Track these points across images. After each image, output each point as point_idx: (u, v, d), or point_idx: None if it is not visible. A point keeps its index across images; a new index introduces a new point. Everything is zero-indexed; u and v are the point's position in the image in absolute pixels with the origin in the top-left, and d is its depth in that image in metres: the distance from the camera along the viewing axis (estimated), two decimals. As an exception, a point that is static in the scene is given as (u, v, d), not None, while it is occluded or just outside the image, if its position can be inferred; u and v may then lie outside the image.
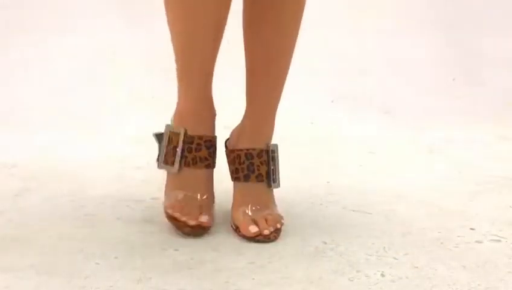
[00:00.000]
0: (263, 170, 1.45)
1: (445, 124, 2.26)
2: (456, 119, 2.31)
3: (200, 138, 1.45)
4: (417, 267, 1.28)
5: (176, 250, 1.35)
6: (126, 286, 1.20)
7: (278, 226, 1.41)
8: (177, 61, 1.44)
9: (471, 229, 1.46)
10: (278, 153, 1.49)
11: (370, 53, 2.62)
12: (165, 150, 1.46)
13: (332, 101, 2.43)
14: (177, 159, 1.44)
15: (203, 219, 1.40)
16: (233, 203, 1.46)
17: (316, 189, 1.70)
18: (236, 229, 1.42)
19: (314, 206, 1.59)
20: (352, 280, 1.23)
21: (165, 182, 1.49)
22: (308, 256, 1.33)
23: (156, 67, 2.45)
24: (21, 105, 2.31)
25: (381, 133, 2.18)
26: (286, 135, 2.12)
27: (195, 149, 1.44)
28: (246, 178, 1.45)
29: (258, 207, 1.44)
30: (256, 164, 1.45)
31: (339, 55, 2.59)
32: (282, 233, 1.42)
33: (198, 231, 1.40)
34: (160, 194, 1.61)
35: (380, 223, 1.49)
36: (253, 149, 1.46)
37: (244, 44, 1.46)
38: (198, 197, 1.44)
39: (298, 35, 1.47)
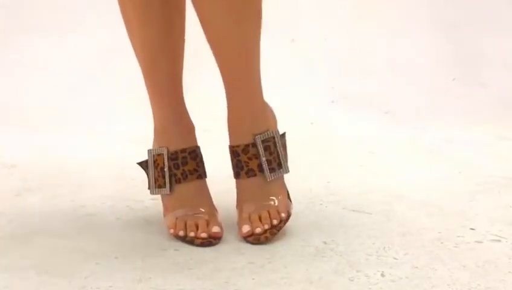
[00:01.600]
0: (253, 164, 1.40)
1: (445, 124, 2.26)
2: (456, 119, 2.31)
3: (184, 151, 1.43)
4: (417, 267, 1.28)
5: (176, 250, 1.35)
6: (126, 286, 1.20)
7: (275, 222, 1.37)
8: (144, 78, 1.46)
9: (471, 229, 1.46)
10: (279, 140, 1.43)
11: (370, 53, 2.62)
12: (153, 175, 1.45)
13: (332, 101, 2.43)
14: (167, 179, 1.42)
15: (215, 229, 1.38)
16: (236, 201, 1.46)
17: (316, 189, 1.70)
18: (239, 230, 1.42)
19: (314, 206, 1.59)
20: (352, 280, 1.23)
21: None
22: (308, 256, 1.33)
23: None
24: (21, 105, 2.31)
25: (381, 133, 2.18)
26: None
27: (182, 163, 1.42)
28: (237, 175, 1.43)
29: (256, 203, 1.40)
30: (243, 160, 1.41)
31: (339, 55, 2.59)
32: (282, 233, 1.42)
33: (211, 242, 1.37)
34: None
35: (380, 223, 1.49)
36: (237, 146, 1.41)
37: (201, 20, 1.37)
38: (199, 209, 1.41)
39: (258, 12, 1.34)
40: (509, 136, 2.16)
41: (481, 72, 2.57)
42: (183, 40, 1.43)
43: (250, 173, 1.41)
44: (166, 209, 1.43)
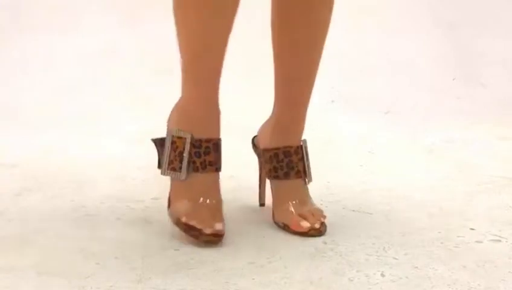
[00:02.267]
0: (301, 166, 1.47)
1: (445, 124, 2.26)
2: (456, 119, 2.31)
3: (209, 140, 1.40)
4: (417, 267, 1.28)
5: (176, 250, 1.35)
6: (126, 286, 1.20)
7: (323, 219, 1.43)
8: (187, 61, 1.38)
9: (471, 229, 1.46)
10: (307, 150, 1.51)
11: (370, 53, 2.62)
12: (168, 156, 1.41)
13: (332, 101, 2.43)
14: (185, 164, 1.39)
15: (219, 226, 1.37)
16: (274, 202, 1.48)
17: (316, 189, 1.70)
18: (285, 227, 1.44)
19: (314, 206, 1.59)
20: (352, 280, 1.23)
21: (168, 187, 1.47)
22: (308, 256, 1.33)
23: (156, 67, 2.45)
24: (21, 105, 2.31)
25: (381, 133, 2.18)
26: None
27: (204, 153, 1.40)
28: (286, 176, 1.47)
29: (300, 203, 1.46)
30: (294, 161, 1.47)
31: (339, 55, 2.59)
32: (282, 233, 1.42)
33: (214, 239, 1.36)
34: (160, 195, 1.61)
35: (380, 223, 1.49)
36: (291, 147, 1.47)
37: (274, 46, 1.47)
38: (208, 202, 1.40)
39: (327, 34, 1.49)
40: (509, 136, 2.16)
41: (481, 72, 2.57)
42: (232, 25, 1.41)
43: (298, 174, 1.48)
44: (177, 194, 1.40)
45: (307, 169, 1.49)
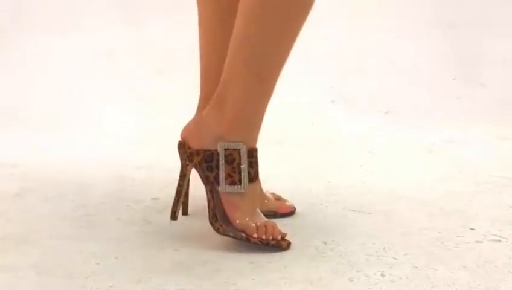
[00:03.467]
0: None
1: (445, 124, 2.26)
2: (456, 119, 2.31)
3: (256, 150, 1.39)
4: (417, 267, 1.28)
5: (176, 250, 1.35)
6: (126, 286, 1.20)
7: None
8: (264, 65, 1.36)
9: (471, 229, 1.46)
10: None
11: (370, 53, 2.62)
12: (224, 170, 1.36)
13: (332, 101, 2.43)
14: (244, 176, 1.36)
15: (281, 230, 1.38)
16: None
17: (316, 189, 1.70)
18: (271, 213, 1.52)
19: (314, 206, 1.59)
20: (352, 280, 1.23)
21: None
22: (308, 256, 1.33)
23: (156, 67, 2.45)
24: (21, 105, 2.31)
25: (381, 133, 2.18)
26: (286, 135, 2.12)
27: (255, 163, 1.38)
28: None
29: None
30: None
31: (339, 55, 2.59)
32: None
33: (289, 242, 1.37)
34: (160, 195, 1.61)
35: (380, 223, 1.49)
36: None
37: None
38: (259, 210, 1.40)
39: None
40: (509, 136, 2.16)
41: (481, 72, 2.57)
42: None
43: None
44: (237, 208, 1.37)
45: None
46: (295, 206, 1.54)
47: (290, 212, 1.53)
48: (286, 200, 1.55)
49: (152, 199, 1.61)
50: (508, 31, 2.69)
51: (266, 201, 1.51)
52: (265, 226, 1.36)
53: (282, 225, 1.47)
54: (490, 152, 2.03)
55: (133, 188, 1.70)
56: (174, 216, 1.39)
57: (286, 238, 1.37)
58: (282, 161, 1.91)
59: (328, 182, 1.75)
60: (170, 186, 1.56)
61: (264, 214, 1.43)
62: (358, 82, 2.51)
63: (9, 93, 2.38)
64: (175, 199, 1.39)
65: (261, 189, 1.49)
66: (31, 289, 1.20)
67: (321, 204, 1.60)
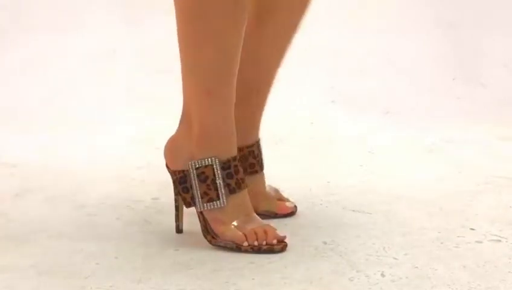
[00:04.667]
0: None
1: (445, 124, 2.26)
2: (456, 119, 2.31)
3: (235, 158, 1.36)
4: (417, 267, 1.28)
5: (176, 250, 1.35)
6: (126, 286, 1.20)
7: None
8: (216, 83, 1.34)
9: (471, 229, 1.46)
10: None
11: (370, 53, 2.62)
12: (198, 190, 1.34)
13: (332, 101, 2.43)
14: (221, 191, 1.34)
15: (279, 233, 1.37)
16: (254, 195, 1.45)
17: (316, 189, 1.70)
18: (271, 214, 1.52)
19: (314, 206, 1.59)
20: (352, 280, 1.23)
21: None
22: (308, 256, 1.33)
23: (156, 67, 2.45)
24: (21, 105, 2.31)
25: (381, 133, 2.18)
26: (286, 135, 2.12)
27: (235, 172, 1.35)
28: (262, 168, 1.52)
29: (271, 190, 1.56)
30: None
31: (339, 55, 2.59)
32: (282, 233, 1.42)
33: (284, 245, 1.36)
34: (160, 195, 1.61)
35: (380, 223, 1.49)
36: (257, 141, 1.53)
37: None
38: (252, 215, 1.38)
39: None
40: (509, 136, 2.16)
41: (481, 72, 2.57)
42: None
43: (262, 166, 1.53)
44: (221, 223, 1.35)
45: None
46: (296, 205, 1.54)
47: (291, 213, 1.52)
48: (287, 200, 1.55)
49: (152, 199, 1.61)
50: (508, 31, 2.69)
51: (267, 201, 1.51)
52: (256, 233, 1.34)
53: (282, 225, 1.47)
54: (490, 152, 2.03)
55: (133, 188, 1.70)
56: (178, 230, 1.42)
57: (286, 240, 1.37)
58: (282, 161, 1.91)
59: (328, 182, 1.75)
60: (170, 187, 1.55)
61: (264, 215, 1.43)
62: (358, 82, 2.51)
63: (9, 93, 2.38)
64: (175, 214, 1.40)
65: (264, 187, 1.50)
66: (31, 289, 1.20)
67: (321, 204, 1.60)
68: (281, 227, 1.45)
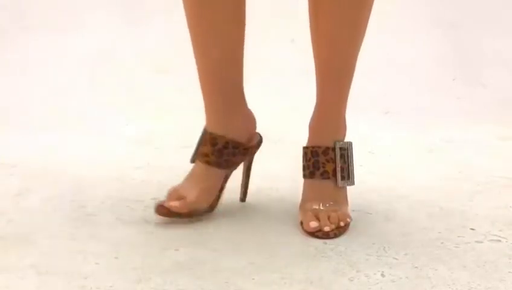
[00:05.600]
0: (329, 167, 1.46)
1: (445, 124, 2.26)
2: (456, 119, 2.31)
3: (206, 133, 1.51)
4: (417, 267, 1.28)
5: (176, 250, 1.35)
6: (126, 286, 1.20)
7: (342, 224, 1.42)
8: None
9: (471, 229, 1.46)
10: (351, 152, 1.50)
11: (370, 53, 2.62)
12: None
13: (332, 101, 2.42)
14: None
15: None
16: (301, 200, 1.49)
17: (316, 189, 1.69)
18: (300, 224, 1.45)
19: (314, 206, 1.58)
20: (352, 280, 1.23)
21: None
22: (308, 256, 1.33)
23: (156, 67, 2.45)
24: (21, 105, 2.31)
25: (381, 133, 2.18)
26: (286, 134, 2.12)
27: (200, 143, 1.52)
28: (311, 175, 1.48)
29: (324, 204, 1.45)
30: (321, 161, 1.47)
31: (339, 55, 2.58)
32: (282, 233, 1.42)
33: (160, 211, 1.46)
34: (160, 195, 1.61)
35: (380, 223, 1.49)
36: (319, 147, 1.48)
37: (311, 40, 1.51)
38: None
39: (365, 28, 1.51)
40: (509, 136, 2.16)
41: (481, 72, 2.57)
42: None
43: (324, 175, 1.47)
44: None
45: (338, 171, 1.47)
46: (295, 206, 1.53)
47: (310, 232, 1.44)
48: (335, 218, 1.47)
49: (152, 199, 1.61)
50: (508, 31, 2.69)
51: (303, 208, 1.51)
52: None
53: (283, 225, 1.47)
54: (490, 152, 2.03)
55: (133, 188, 1.70)
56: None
57: (285, 239, 1.38)
58: (283, 161, 1.91)
59: (328, 182, 1.75)
60: (170, 186, 1.56)
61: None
62: (358, 82, 2.50)
63: (9, 93, 2.38)
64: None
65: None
66: (31, 289, 1.20)
67: (321, 204, 1.60)
68: (281, 227, 1.45)
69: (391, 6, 2.71)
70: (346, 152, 1.49)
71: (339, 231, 1.41)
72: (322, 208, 1.44)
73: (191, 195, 1.46)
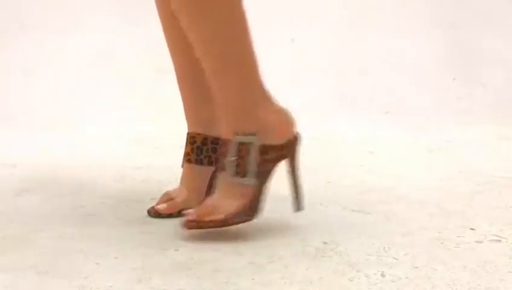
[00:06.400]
0: (224, 159, 1.39)
1: (445, 124, 2.26)
2: (456, 119, 2.31)
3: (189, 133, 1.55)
4: (417, 267, 1.28)
5: (176, 250, 1.35)
6: (126, 286, 1.20)
7: (205, 218, 1.38)
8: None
9: (471, 229, 1.46)
10: (252, 148, 1.38)
11: (370, 53, 2.62)
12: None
13: (332, 101, 2.43)
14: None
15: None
16: None
17: (316, 189, 1.70)
18: None
19: (314, 206, 1.59)
20: (352, 280, 1.23)
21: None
22: (308, 256, 1.33)
23: (156, 67, 2.45)
24: (21, 105, 2.31)
25: (381, 133, 2.18)
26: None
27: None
28: (198, 162, 1.51)
29: (212, 195, 1.41)
30: (219, 153, 1.42)
31: (339, 55, 2.59)
32: (282, 233, 1.42)
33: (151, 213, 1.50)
34: (160, 194, 1.61)
35: (380, 223, 1.49)
36: (218, 138, 1.49)
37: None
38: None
39: (226, 23, 1.37)
40: (509, 136, 2.16)
41: (481, 72, 2.57)
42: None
43: (220, 167, 1.41)
44: None
45: (228, 164, 1.38)
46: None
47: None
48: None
49: (152, 199, 1.61)
50: (508, 31, 2.69)
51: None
52: None
53: (283, 225, 1.47)
54: (490, 152, 2.03)
55: (133, 188, 1.70)
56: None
57: (285, 240, 1.38)
58: (282, 161, 1.91)
59: (328, 182, 1.76)
60: (170, 187, 1.56)
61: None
62: (358, 82, 2.51)
63: (9, 93, 2.38)
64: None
65: None
66: (31, 289, 1.20)
67: (321, 204, 1.60)
68: (281, 227, 1.46)
69: (391, 6, 2.72)
70: (245, 148, 1.38)
71: (193, 224, 1.38)
72: (208, 199, 1.41)
73: (180, 196, 1.50)
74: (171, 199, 1.51)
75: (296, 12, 2.61)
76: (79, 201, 1.61)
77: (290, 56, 2.53)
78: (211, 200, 1.40)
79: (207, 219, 1.38)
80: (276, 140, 1.42)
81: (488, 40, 2.66)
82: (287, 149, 1.44)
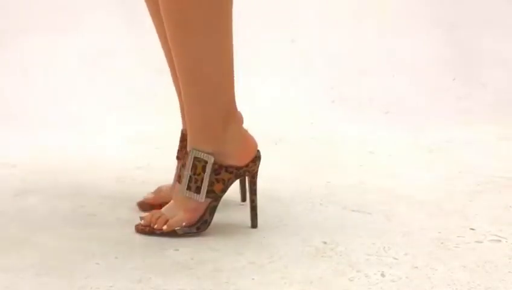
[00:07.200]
0: (182, 173, 1.42)
1: (445, 124, 2.26)
2: (456, 119, 2.31)
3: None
4: (417, 267, 1.28)
5: (176, 250, 1.35)
6: (126, 286, 1.20)
7: (155, 226, 1.41)
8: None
9: (471, 229, 1.46)
10: (208, 166, 1.39)
11: (370, 53, 2.62)
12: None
13: (332, 101, 2.43)
14: None
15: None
16: None
17: (316, 189, 1.70)
18: None
19: (314, 206, 1.59)
20: (352, 280, 1.23)
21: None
22: (308, 256, 1.33)
23: (156, 67, 2.45)
24: (21, 105, 2.31)
25: (381, 133, 2.18)
26: (286, 134, 2.12)
27: None
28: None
29: (169, 205, 1.44)
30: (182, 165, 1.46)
31: (339, 55, 2.59)
32: (282, 233, 1.42)
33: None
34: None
35: (380, 223, 1.49)
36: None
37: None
38: None
39: (203, 32, 1.35)
40: (509, 136, 2.16)
41: (481, 72, 2.57)
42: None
43: (179, 179, 1.44)
44: None
45: (183, 178, 1.40)
46: (295, 206, 1.54)
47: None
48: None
49: (152, 199, 1.61)
50: (508, 31, 2.69)
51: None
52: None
53: (283, 225, 1.47)
54: (490, 152, 2.03)
55: (133, 188, 1.70)
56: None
57: (285, 240, 1.38)
58: (283, 161, 1.91)
59: (328, 182, 1.76)
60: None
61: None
62: (358, 82, 2.51)
63: (9, 93, 2.38)
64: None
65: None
66: (31, 289, 1.20)
67: (321, 204, 1.60)
68: (281, 227, 1.46)
69: (391, 7, 2.72)
70: (201, 165, 1.39)
71: (146, 229, 1.42)
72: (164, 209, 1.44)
73: (164, 189, 1.57)
74: (159, 192, 1.56)
75: (296, 12, 2.61)
76: (79, 201, 1.61)
77: (290, 56, 2.53)
78: (165, 209, 1.43)
79: (157, 227, 1.41)
80: (235, 162, 1.43)
81: (488, 40, 2.66)
82: (247, 168, 1.45)
